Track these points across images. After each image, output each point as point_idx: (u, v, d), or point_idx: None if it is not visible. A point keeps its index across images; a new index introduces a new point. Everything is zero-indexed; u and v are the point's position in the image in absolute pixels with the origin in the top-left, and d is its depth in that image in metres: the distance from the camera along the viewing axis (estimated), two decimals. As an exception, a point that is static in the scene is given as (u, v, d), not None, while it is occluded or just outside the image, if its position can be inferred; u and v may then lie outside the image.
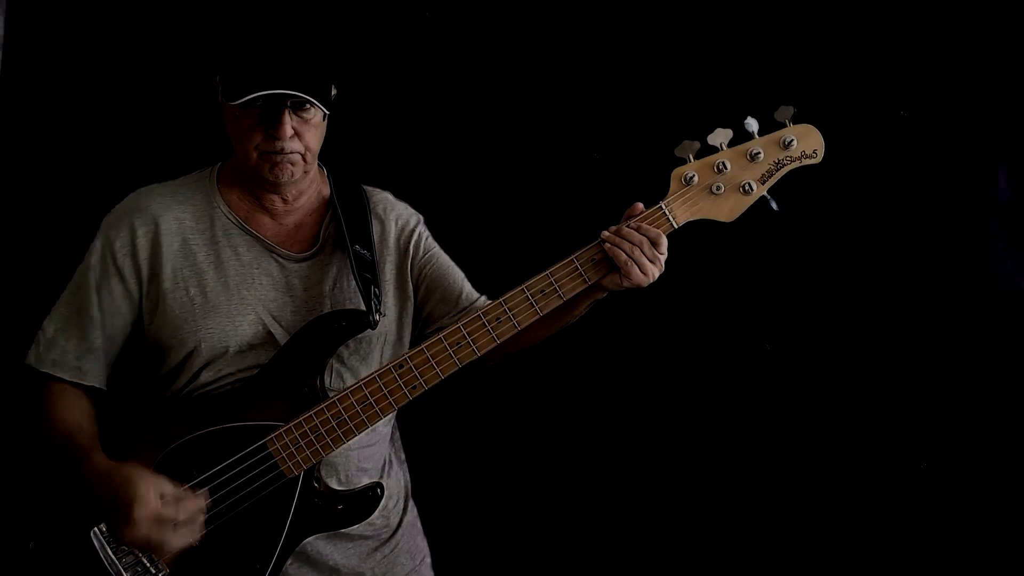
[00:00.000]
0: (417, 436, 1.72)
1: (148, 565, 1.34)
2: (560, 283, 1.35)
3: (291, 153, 1.35)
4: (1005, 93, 1.89)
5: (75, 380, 1.39)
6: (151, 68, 2.02)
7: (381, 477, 1.54)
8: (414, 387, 1.36)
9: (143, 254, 1.40)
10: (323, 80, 1.34)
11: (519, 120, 2.15)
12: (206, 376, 1.39)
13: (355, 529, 1.48)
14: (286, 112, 1.32)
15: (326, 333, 1.39)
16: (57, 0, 1.96)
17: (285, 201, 1.46)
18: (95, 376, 1.41)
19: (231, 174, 1.48)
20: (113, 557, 1.33)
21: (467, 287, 1.57)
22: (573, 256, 1.35)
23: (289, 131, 1.32)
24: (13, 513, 1.42)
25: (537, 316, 1.36)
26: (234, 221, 1.45)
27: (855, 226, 2.05)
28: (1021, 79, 1.88)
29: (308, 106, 1.33)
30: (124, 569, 1.33)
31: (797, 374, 2.09)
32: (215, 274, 1.40)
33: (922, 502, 2.02)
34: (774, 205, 1.35)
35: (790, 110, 1.32)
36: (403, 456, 1.66)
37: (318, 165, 1.54)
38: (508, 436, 2.19)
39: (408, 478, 1.65)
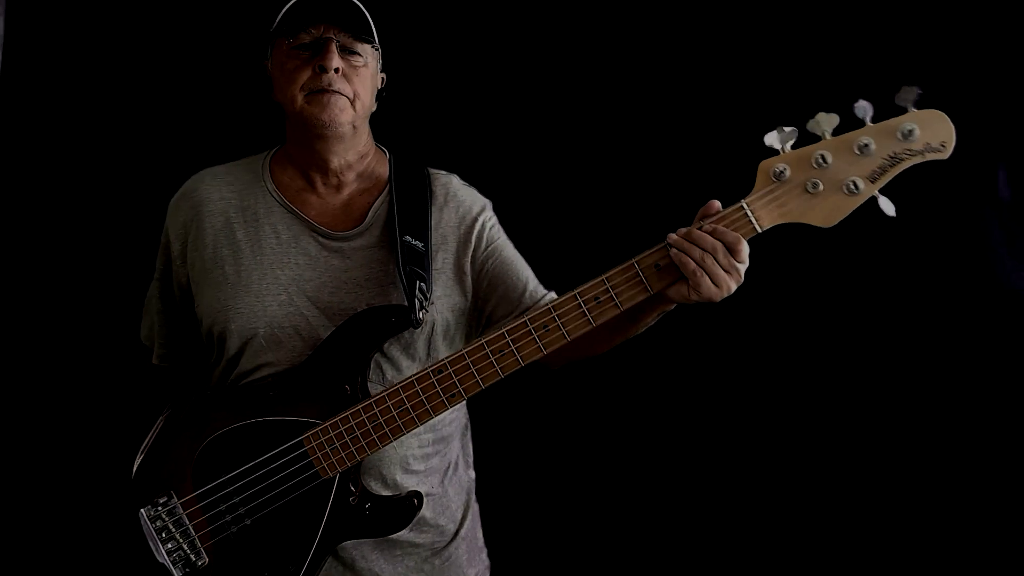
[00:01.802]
0: (484, 434, 1.63)
1: (188, 552, 1.33)
2: (617, 290, 1.18)
3: (338, 92, 1.31)
4: (1005, 93, 1.88)
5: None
6: (150, 67, 2.05)
7: (443, 480, 1.45)
8: (452, 395, 1.25)
9: (190, 236, 1.42)
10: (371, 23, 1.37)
11: (595, 100, 2.06)
12: (245, 362, 1.36)
13: (404, 537, 1.40)
14: (333, 44, 1.31)
15: (370, 329, 1.31)
16: (57, 0, 2.02)
17: (330, 173, 1.40)
18: (156, 354, 1.54)
19: (284, 155, 1.46)
20: (156, 538, 1.34)
21: (532, 284, 1.44)
22: (634, 260, 1.17)
23: (335, 63, 1.30)
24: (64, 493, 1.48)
25: (590, 327, 1.20)
26: (277, 199, 1.41)
27: (855, 226, 1.81)
28: (1021, 79, 1.87)
29: (357, 52, 1.34)
30: (167, 553, 1.33)
31: (797, 373, 2.04)
32: (251, 252, 1.38)
33: (922, 503, 1.98)
34: (889, 210, 1.10)
35: (913, 91, 1.07)
36: (471, 459, 1.57)
37: (379, 147, 1.48)
38: (578, 438, 2.11)
39: (473, 483, 1.56)
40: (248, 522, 1.31)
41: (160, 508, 1.34)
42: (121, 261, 1.96)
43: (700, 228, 1.14)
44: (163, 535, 1.33)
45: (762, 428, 2.05)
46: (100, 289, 2.01)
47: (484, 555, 1.57)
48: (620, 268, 1.18)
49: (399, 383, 1.27)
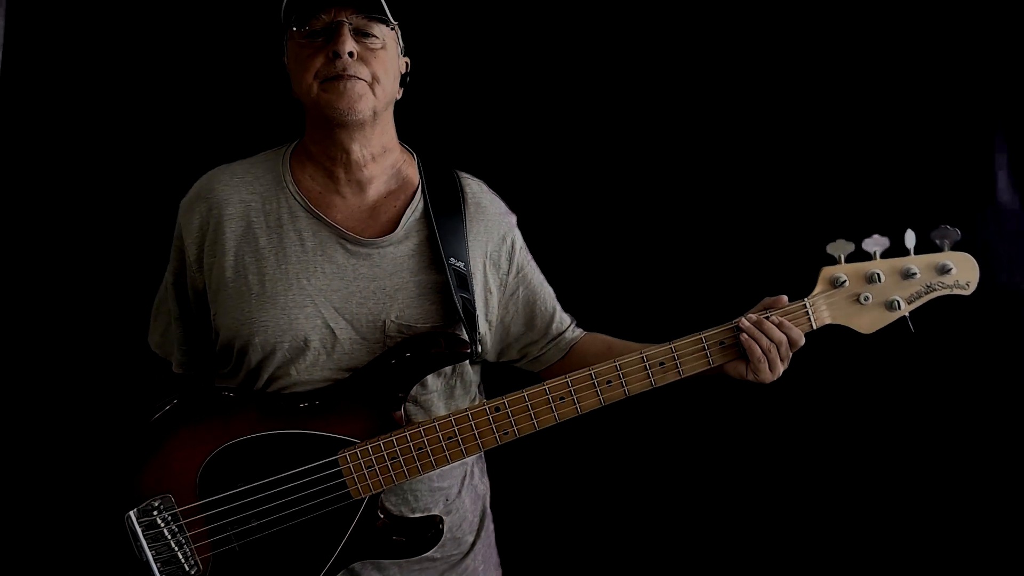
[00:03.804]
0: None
1: (182, 560, 1.24)
2: (682, 360, 1.27)
3: (354, 77, 1.25)
4: (1005, 93, 1.88)
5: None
6: (152, 64, 1.95)
7: (459, 492, 1.43)
8: (506, 433, 1.27)
9: (207, 239, 1.31)
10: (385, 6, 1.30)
11: (643, 117, 2.02)
12: (265, 375, 1.29)
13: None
14: (345, 28, 1.25)
15: (425, 355, 1.29)
16: (57, 0, 1.87)
17: (352, 166, 1.32)
18: (179, 361, 1.44)
19: (304, 152, 1.37)
20: (145, 545, 1.23)
21: (558, 312, 1.47)
22: (702, 335, 1.27)
23: (349, 47, 1.24)
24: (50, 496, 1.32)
25: (649, 388, 1.28)
26: (301, 203, 1.32)
27: (854, 226, 2.02)
28: (1021, 78, 1.86)
29: (373, 33, 1.27)
30: (154, 560, 1.23)
31: (797, 374, 2.11)
32: (275, 261, 1.29)
33: (922, 504, 2.01)
34: (912, 327, 1.29)
35: (955, 233, 1.27)
36: (485, 465, 1.55)
37: (405, 147, 1.43)
38: (591, 446, 2.07)
39: (488, 490, 1.54)
40: (258, 536, 1.25)
41: (154, 512, 1.23)
42: (127, 263, 1.83)
43: (768, 319, 1.26)
44: (153, 539, 1.23)
45: (777, 442, 2.05)
46: (100, 289, 1.90)
47: (497, 561, 1.55)
48: (689, 340, 1.27)
49: (452, 414, 1.27)
